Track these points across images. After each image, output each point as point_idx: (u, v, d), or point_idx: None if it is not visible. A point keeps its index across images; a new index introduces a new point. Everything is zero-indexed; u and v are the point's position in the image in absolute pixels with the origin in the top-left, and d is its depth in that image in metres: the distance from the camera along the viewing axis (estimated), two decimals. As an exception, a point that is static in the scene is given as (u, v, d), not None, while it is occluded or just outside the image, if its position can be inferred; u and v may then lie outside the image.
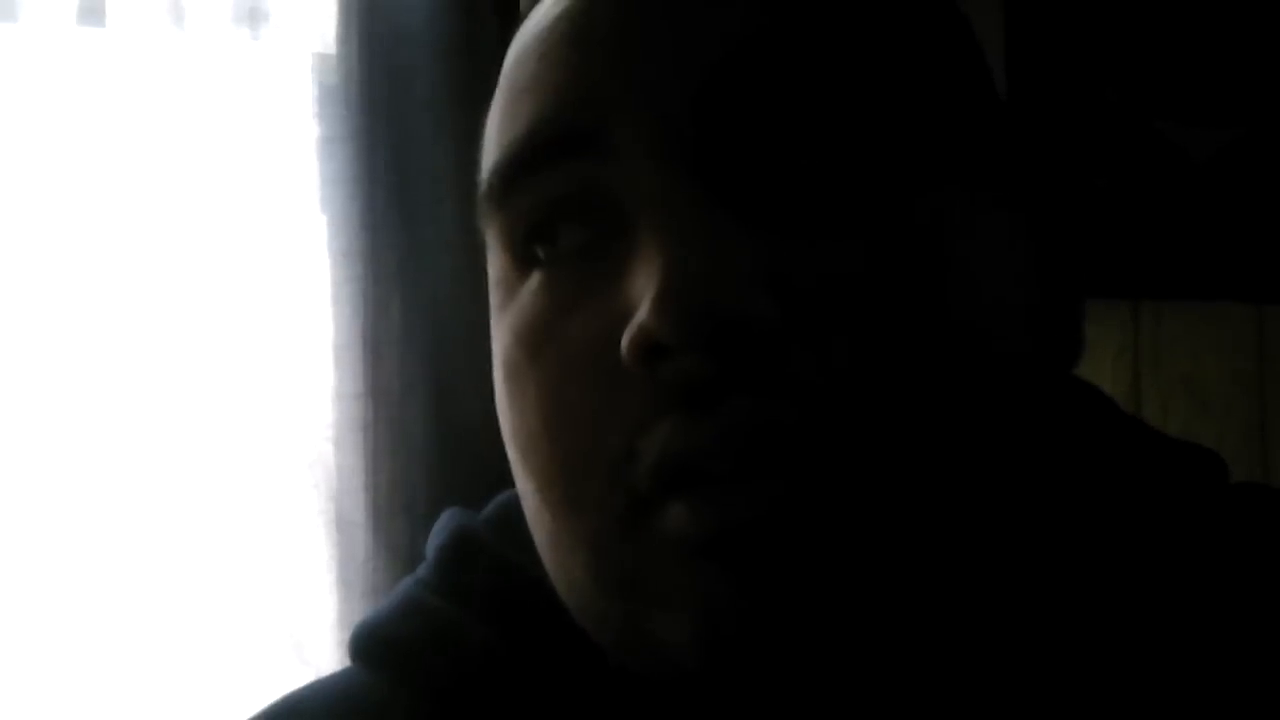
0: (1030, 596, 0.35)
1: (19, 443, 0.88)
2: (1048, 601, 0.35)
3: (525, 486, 0.37)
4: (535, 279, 0.36)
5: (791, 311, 0.32)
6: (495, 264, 0.38)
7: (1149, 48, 1.22)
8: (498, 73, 0.39)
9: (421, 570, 0.44)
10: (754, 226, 0.33)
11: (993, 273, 0.34)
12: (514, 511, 0.43)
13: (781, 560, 0.31)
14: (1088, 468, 0.37)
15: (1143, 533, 0.36)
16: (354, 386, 0.94)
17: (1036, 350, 0.36)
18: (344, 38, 0.97)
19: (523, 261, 0.36)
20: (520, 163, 0.36)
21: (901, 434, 0.32)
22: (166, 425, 0.91)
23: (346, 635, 0.45)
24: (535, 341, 0.36)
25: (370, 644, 0.42)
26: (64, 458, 0.89)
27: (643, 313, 0.31)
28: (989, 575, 0.33)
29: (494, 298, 0.38)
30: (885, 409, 0.32)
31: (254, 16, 0.96)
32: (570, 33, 0.36)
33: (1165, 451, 0.38)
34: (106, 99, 0.91)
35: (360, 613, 0.89)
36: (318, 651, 0.93)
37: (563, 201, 0.35)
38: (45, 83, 0.90)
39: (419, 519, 0.93)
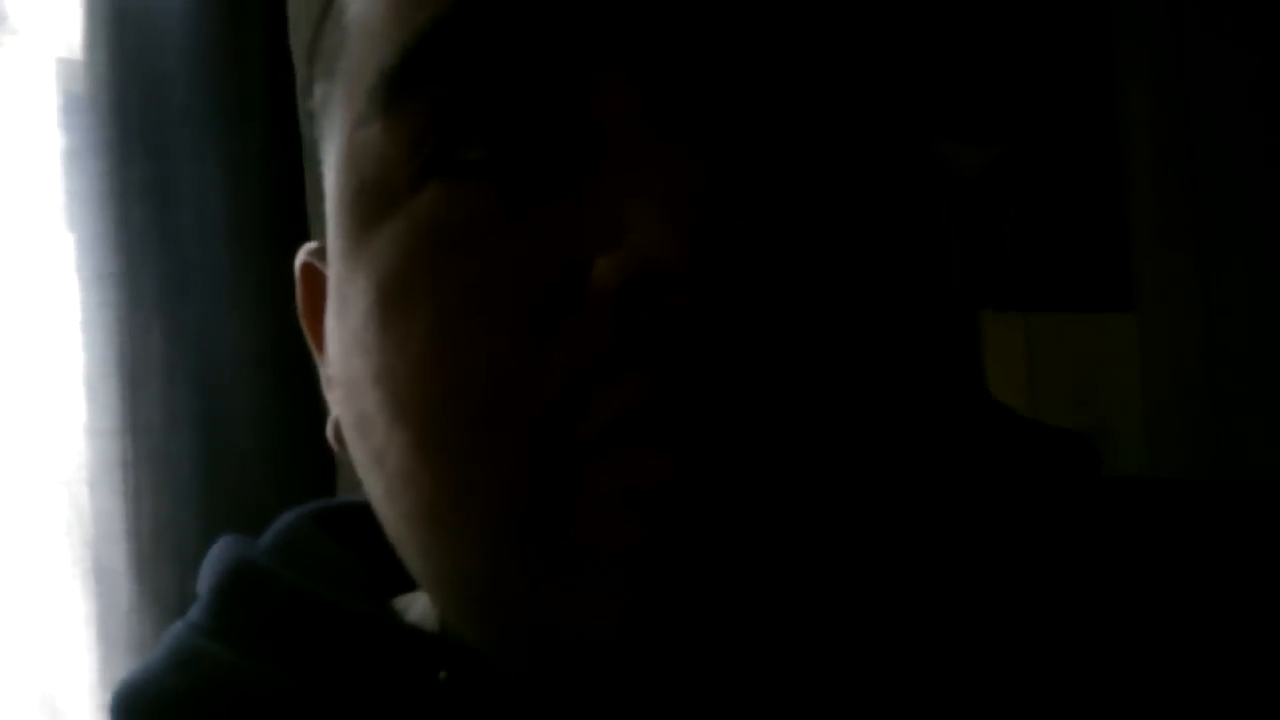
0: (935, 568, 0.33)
1: None
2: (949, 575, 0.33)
3: (391, 443, 0.31)
4: (439, 187, 0.31)
5: (784, 248, 0.29)
6: (370, 167, 0.32)
7: (921, 66, 1.26)
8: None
9: (193, 612, 0.38)
10: (742, 159, 0.30)
11: (933, 248, 0.33)
12: (300, 533, 0.38)
13: (725, 524, 0.28)
14: (980, 451, 0.36)
15: (1019, 520, 0.35)
16: (110, 422, 0.87)
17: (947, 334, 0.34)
18: (91, 42, 0.90)
19: (423, 166, 0.31)
20: (443, 47, 0.30)
21: (873, 396, 0.30)
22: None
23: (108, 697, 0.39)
24: (440, 255, 0.30)
25: (134, 704, 0.37)
26: None
27: (642, 237, 0.27)
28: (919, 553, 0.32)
29: (356, 210, 0.33)
30: (867, 372, 0.30)
31: (-14, 18, 0.89)
32: None
33: (1042, 439, 0.37)
34: None
35: (124, 672, 0.83)
36: (74, 718, 0.85)
37: (500, 101, 0.30)
38: None
39: (189, 565, 0.86)
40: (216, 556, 0.39)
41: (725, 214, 0.28)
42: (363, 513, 0.37)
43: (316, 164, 0.38)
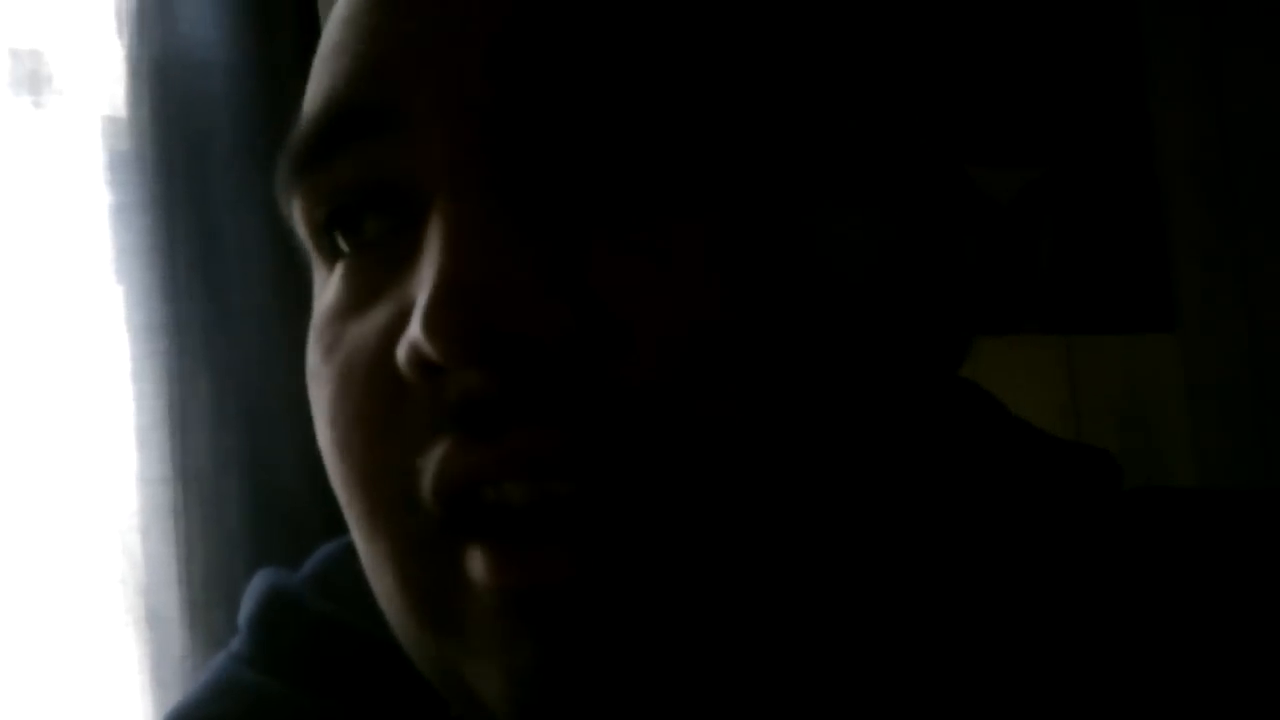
0: (887, 624, 0.32)
1: None
2: (912, 624, 0.33)
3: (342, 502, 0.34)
4: (337, 270, 0.33)
5: (590, 322, 0.28)
6: (303, 243, 0.35)
7: (951, 91, 1.26)
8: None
9: (235, 643, 0.40)
10: (555, 221, 0.29)
11: (837, 278, 0.31)
12: (335, 563, 0.40)
13: (588, 621, 0.28)
14: (968, 472, 0.35)
15: (1027, 535, 0.34)
16: (161, 470, 0.88)
17: (902, 359, 0.33)
18: (135, 100, 0.92)
19: (328, 249, 0.33)
20: (318, 140, 0.32)
21: (717, 463, 0.29)
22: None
23: (162, 743, 0.40)
24: (328, 341, 0.32)
25: None
26: None
27: (414, 325, 0.28)
28: (831, 614, 0.31)
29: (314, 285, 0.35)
30: (695, 437, 0.28)
31: (35, 81, 0.91)
32: None
33: (1055, 453, 0.37)
34: None
35: (178, 716, 0.84)
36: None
37: (365, 184, 0.31)
38: None
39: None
40: (255, 587, 0.40)
41: (508, 296, 0.28)
42: None
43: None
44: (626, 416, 0.28)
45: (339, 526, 0.43)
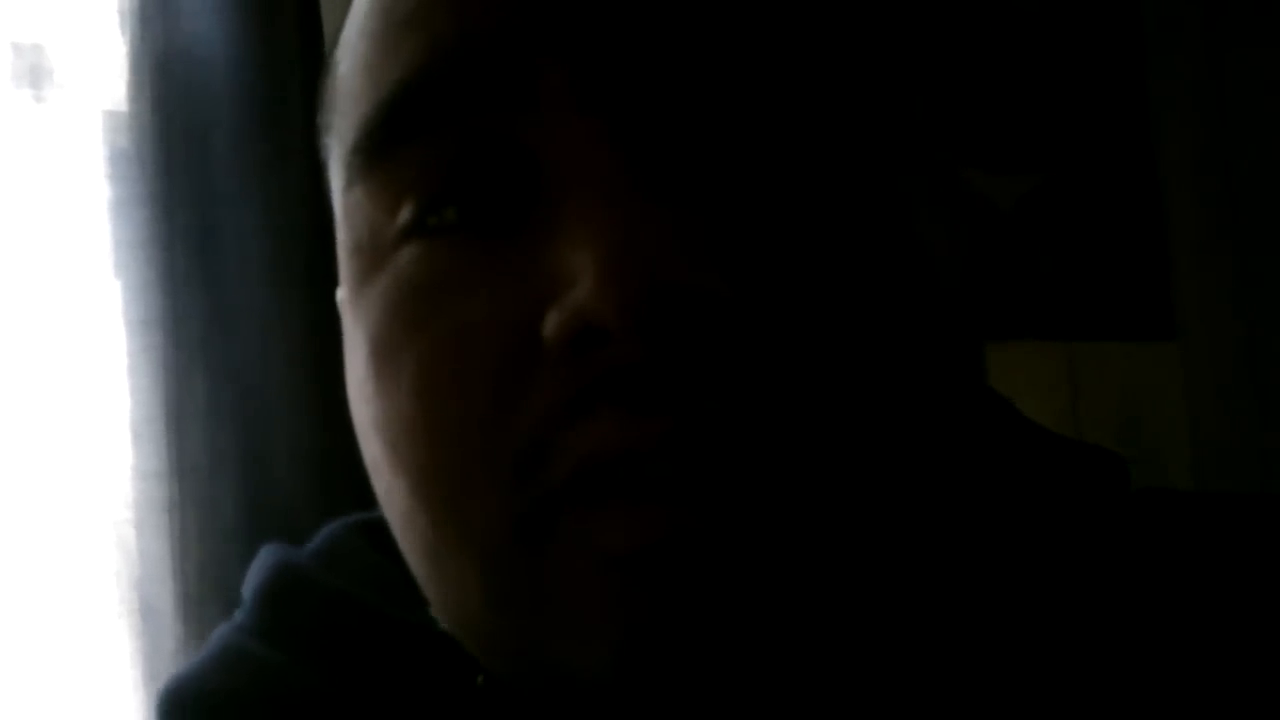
0: (957, 601, 0.33)
1: None
2: (975, 605, 0.33)
3: (394, 486, 0.32)
4: (419, 245, 0.31)
5: (745, 294, 0.29)
6: (359, 227, 0.33)
7: (952, 97, 1.26)
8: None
9: (239, 614, 0.39)
10: (700, 197, 0.29)
11: (931, 261, 0.33)
12: (343, 542, 0.39)
13: (716, 578, 0.28)
14: (1002, 467, 0.36)
15: (1043, 530, 0.35)
16: (156, 464, 0.88)
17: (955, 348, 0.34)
18: (135, 95, 0.92)
19: (405, 224, 0.32)
20: (409, 111, 0.31)
21: (855, 432, 0.29)
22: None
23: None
24: (418, 313, 0.31)
25: (182, 702, 0.37)
26: None
27: (582, 292, 0.28)
28: (925, 583, 0.32)
29: (352, 266, 0.34)
30: (841, 408, 0.29)
31: (36, 75, 0.91)
32: None
33: (1066, 452, 0.37)
34: None
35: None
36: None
37: (465, 158, 0.30)
38: None
39: (234, 604, 0.87)
40: (261, 562, 0.40)
41: (672, 260, 0.28)
42: None
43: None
44: (783, 388, 0.28)
45: (333, 521, 0.43)
